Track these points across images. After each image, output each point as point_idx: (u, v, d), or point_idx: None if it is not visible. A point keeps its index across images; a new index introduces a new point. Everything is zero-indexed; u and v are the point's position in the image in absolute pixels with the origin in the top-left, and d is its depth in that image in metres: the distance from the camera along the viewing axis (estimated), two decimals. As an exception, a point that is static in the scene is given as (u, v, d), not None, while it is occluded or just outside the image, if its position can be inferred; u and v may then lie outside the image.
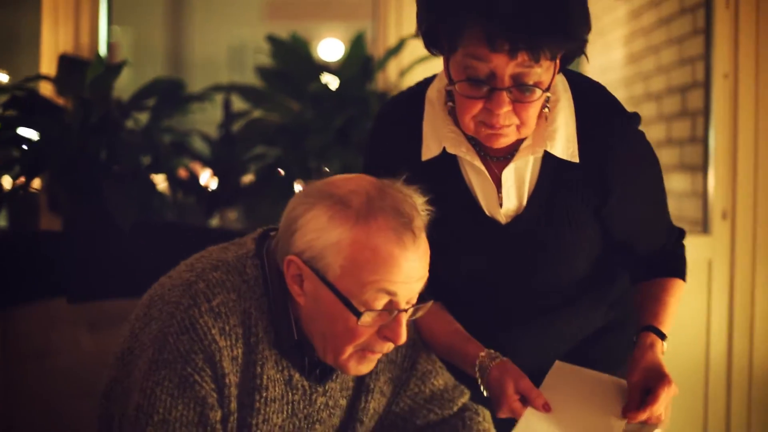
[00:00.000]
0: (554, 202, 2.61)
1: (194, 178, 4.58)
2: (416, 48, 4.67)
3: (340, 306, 2.20)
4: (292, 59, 4.53)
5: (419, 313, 2.31)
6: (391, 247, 2.18)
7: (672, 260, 2.74)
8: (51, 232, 3.99)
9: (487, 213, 2.64)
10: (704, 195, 5.03)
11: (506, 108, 2.39)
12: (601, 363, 2.65)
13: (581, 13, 2.39)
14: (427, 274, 2.27)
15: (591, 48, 2.50)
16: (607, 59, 7.04)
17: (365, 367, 2.31)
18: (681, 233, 2.78)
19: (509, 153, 2.59)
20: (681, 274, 2.74)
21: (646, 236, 2.71)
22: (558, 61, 2.43)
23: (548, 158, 2.59)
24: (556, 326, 2.79)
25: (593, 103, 2.62)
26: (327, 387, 2.41)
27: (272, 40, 4.57)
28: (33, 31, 4.85)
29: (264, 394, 2.29)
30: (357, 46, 4.59)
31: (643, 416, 2.42)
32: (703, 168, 5.06)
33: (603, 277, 2.78)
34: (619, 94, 6.48)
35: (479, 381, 2.56)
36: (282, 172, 4.41)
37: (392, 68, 4.84)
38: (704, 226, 4.98)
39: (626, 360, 2.65)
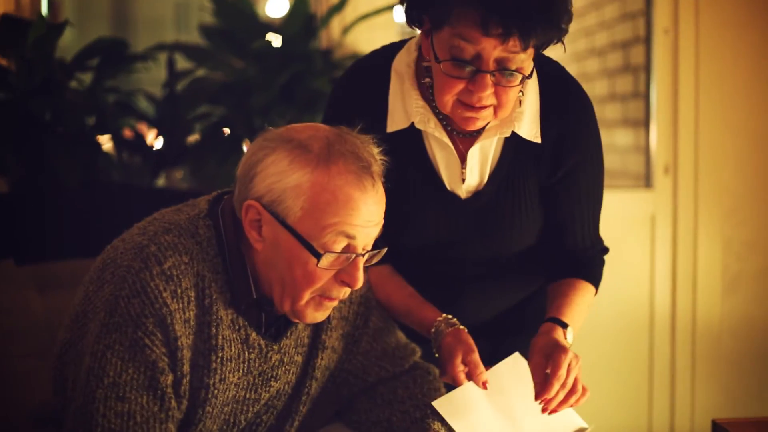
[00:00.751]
0: (513, 179, 2.66)
1: (140, 138, 4.56)
2: (359, 5, 4.69)
3: (299, 249, 2.22)
4: (235, 17, 4.50)
5: (375, 259, 2.33)
6: (351, 190, 2.20)
7: (589, 266, 2.79)
8: (-3, 193, 3.96)
9: (448, 188, 2.67)
10: (647, 150, 5.07)
11: (488, 91, 2.42)
12: (534, 321, 2.69)
13: (567, 2, 2.44)
14: (382, 220, 2.29)
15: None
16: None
17: (321, 315, 2.33)
18: (604, 249, 2.85)
19: (475, 130, 2.62)
20: (594, 281, 2.78)
21: (576, 227, 2.75)
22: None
23: (511, 137, 2.63)
24: (499, 288, 2.86)
25: (555, 86, 2.67)
26: (282, 344, 2.41)
27: (215, -1, 4.56)
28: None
29: (220, 354, 2.30)
30: (300, 3, 4.57)
31: (551, 390, 2.43)
32: (646, 123, 5.10)
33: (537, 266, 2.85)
34: (563, 50, 6.51)
35: (433, 344, 2.60)
36: (227, 131, 4.41)
37: (335, 25, 4.84)
38: (647, 181, 5.03)
39: None
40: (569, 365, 2.44)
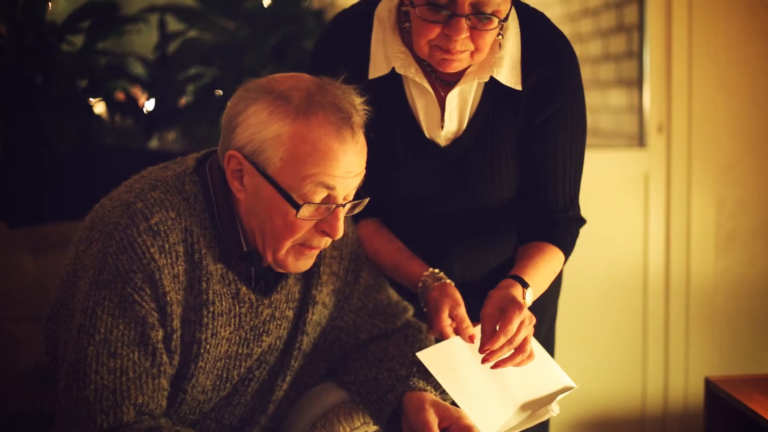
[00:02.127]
0: (491, 126, 2.66)
1: (132, 100, 4.55)
2: (351, -35, 4.67)
3: (279, 199, 2.24)
4: (227, -22, 4.50)
5: (357, 210, 2.36)
6: (331, 141, 2.22)
7: (561, 231, 2.77)
8: (-11, 156, 3.96)
9: (427, 135, 2.67)
10: (640, 109, 5.06)
11: (464, 35, 2.43)
12: None
13: None
14: (364, 171, 2.31)
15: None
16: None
17: (303, 264, 2.36)
18: (580, 218, 2.83)
19: (455, 76, 2.63)
20: (564, 248, 2.77)
21: (550, 183, 2.74)
22: None
23: (491, 84, 2.64)
24: (485, 247, 2.86)
25: (538, 33, 2.67)
26: (272, 298, 2.44)
27: (208, -42, 4.54)
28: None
29: (211, 309, 2.33)
30: (292, -36, 4.56)
31: (496, 342, 2.42)
32: (639, 83, 5.09)
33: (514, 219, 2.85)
34: (557, 10, 6.50)
35: (420, 298, 2.61)
36: (219, 92, 4.40)
37: (327, -15, 4.84)
38: (641, 140, 5.02)
39: None
40: (521, 323, 2.43)
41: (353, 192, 2.32)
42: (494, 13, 2.43)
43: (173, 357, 2.32)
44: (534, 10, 2.73)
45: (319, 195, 2.25)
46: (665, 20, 4.92)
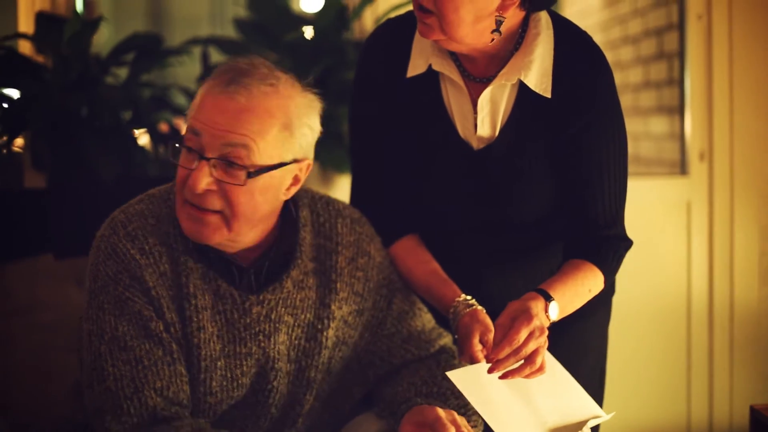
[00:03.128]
0: (523, 133, 2.67)
1: (175, 132, 4.58)
2: (391, -5, 4.69)
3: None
4: (269, 10, 4.52)
5: (228, 177, 2.35)
6: (207, 91, 2.36)
7: (602, 250, 2.74)
8: (35, 189, 4.00)
9: (462, 136, 2.69)
10: (682, 137, 5.05)
11: None
12: None
13: None
14: (239, 135, 2.33)
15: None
16: (584, 4, 7.05)
17: (197, 230, 2.39)
18: (625, 238, 2.78)
19: (488, 78, 2.66)
20: (604, 267, 2.73)
21: (588, 198, 2.72)
22: None
23: (524, 91, 2.65)
24: (521, 266, 2.85)
25: (573, 45, 2.68)
26: (262, 297, 2.49)
27: (248, -8, 4.58)
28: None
29: (193, 302, 2.41)
30: (333, -4, 4.59)
31: (500, 352, 2.42)
32: (680, 110, 5.08)
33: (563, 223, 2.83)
34: (597, 38, 6.48)
35: (451, 324, 2.62)
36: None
37: (368, 16, 4.84)
38: (682, 168, 5.01)
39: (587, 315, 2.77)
40: (530, 334, 2.43)
41: (224, 153, 2.33)
42: None
43: (181, 347, 2.42)
44: (575, 26, 2.75)
45: (191, 142, 2.35)
46: (706, 47, 4.91)
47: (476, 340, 2.51)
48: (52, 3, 4.74)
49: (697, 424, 4.98)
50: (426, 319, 2.74)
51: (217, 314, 2.44)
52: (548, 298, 2.55)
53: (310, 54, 4.37)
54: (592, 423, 2.53)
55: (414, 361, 2.69)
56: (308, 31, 4.48)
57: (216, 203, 2.35)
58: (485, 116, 2.68)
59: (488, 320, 2.55)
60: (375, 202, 2.82)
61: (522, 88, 2.66)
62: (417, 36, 2.71)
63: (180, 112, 4.54)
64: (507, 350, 2.42)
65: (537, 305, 2.50)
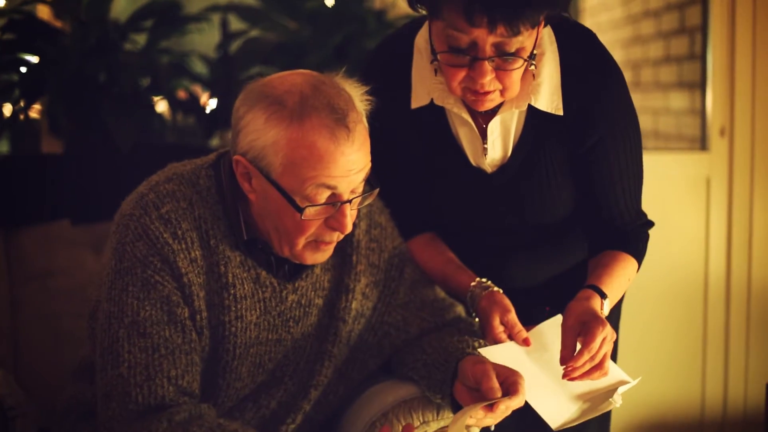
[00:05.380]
0: (537, 152, 2.66)
1: (194, 99, 4.57)
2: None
3: (285, 202, 2.30)
4: (290, -22, 4.51)
5: (367, 201, 2.43)
6: (326, 144, 2.27)
7: (632, 240, 2.75)
8: (53, 155, 3.99)
9: (473, 163, 2.67)
10: (702, 112, 5.02)
11: (489, 76, 2.43)
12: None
13: None
14: (368, 164, 2.35)
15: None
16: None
17: (321, 256, 2.43)
18: (647, 223, 2.81)
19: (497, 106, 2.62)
20: (637, 255, 2.74)
21: (611, 203, 2.72)
22: (542, 23, 2.45)
23: (533, 110, 2.63)
24: (543, 256, 2.85)
25: (578, 57, 2.64)
26: (297, 285, 2.52)
27: (270, -41, 4.55)
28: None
29: (232, 291, 2.42)
30: (354, -37, 4.56)
31: (580, 359, 2.41)
32: (701, 85, 5.05)
33: (579, 242, 2.85)
34: (617, 12, 6.46)
35: (470, 309, 2.63)
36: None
37: (389, -15, 4.84)
38: (702, 143, 4.98)
39: None
40: (603, 339, 2.42)
41: (360, 185, 2.37)
42: (518, 52, 2.41)
43: (201, 337, 2.41)
44: (578, 27, 2.71)
45: (322, 195, 2.31)
46: (729, 22, 4.87)
47: (497, 322, 2.53)
48: (71, -33, 4.72)
49: (712, 401, 4.97)
50: (438, 290, 2.77)
51: (257, 302, 2.46)
52: (603, 296, 2.56)
53: (331, 22, 4.36)
54: (621, 390, 2.51)
55: (432, 330, 2.70)
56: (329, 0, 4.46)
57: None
58: (495, 139, 2.66)
59: (506, 300, 2.56)
60: (394, 202, 2.82)
61: (532, 108, 2.63)
62: (416, 65, 2.69)
63: (198, 79, 4.54)
64: (586, 356, 2.41)
65: (598, 305, 2.53)
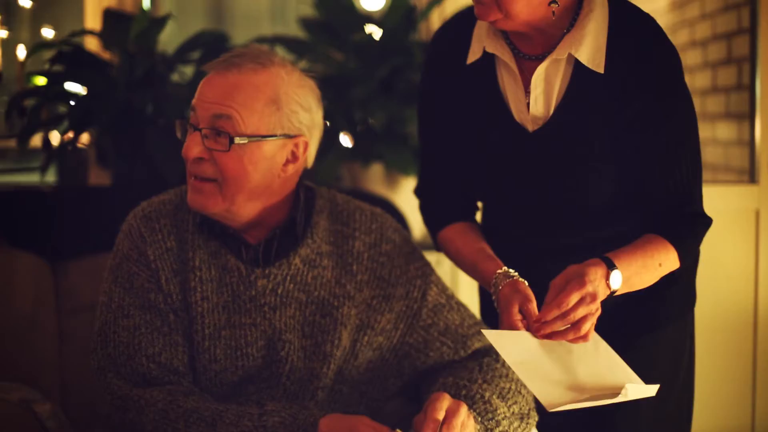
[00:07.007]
0: (580, 112, 2.64)
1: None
2: (459, -3, 4.66)
3: None
4: (335, 9, 4.52)
5: (218, 144, 2.54)
6: (208, 70, 2.58)
7: (675, 225, 2.67)
8: (100, 187, 4.02)
9: (516, 119, 2.68)
10: (751, 143, 4.98)
11: None
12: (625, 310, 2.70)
13: None
14: (225, 106, 2.52)
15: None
16: (651, 6, 6.98)
17: (193, 196, 2.59)
18: (702, 215, 2.73)
19: (542, 56, 2.66)
20: (676, 239, 2.64)
21: (662, 176, 2.65)
22: None
23: (579, 69, 2.64)
24: (579, 254, 2.78)
25: (630, 22, 2.65)
26: (267, 271, 2.65)
27: (315, -9, 4.57)
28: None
29: (198, 274, 2.61)
30: (399, -4, 4.57)
31: (547, 313, 2.39)
32: (750, 116, 5.01)
33: (628, 217, 2.76)
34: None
35: (493, 297, 2.60)
36: (327, 123, 4.42)
37: (435, 17, 4.83)
38: (751, 176, 4.94)
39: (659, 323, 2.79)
40: (581, 299, 2.39)
41: (212, 124, 2.54)
42: None
43: (179, 319, 2.61)
44: (636, 7, 2.72)
45: (191, 118, 2.57)
46: (778, 52, 4.84)
47: (515, 309, 2.49)
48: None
49: (762, 436, 4.92)
50: (464, 315, 2.79)
51: (224, 286, 2.62)
52: (611, 266, 2.49)
53: (377, 54, 4.36)
54: (633, 393, 2.43)
55: (453, 362, 2.74)
56: (376, 32, 4.47)
57: (208, 170, 2.55)
58: (539, 95, 2.67)
59: (528, 291, 2.52)
60: (435, 188, 2.91)
61: (577, 66, 2.64)
62: (477, 24, 2.74)
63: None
64: (555, 312, 2.39)
65: (596, 272, 2.46)
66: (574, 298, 2.38)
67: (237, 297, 2.62)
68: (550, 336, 2.42)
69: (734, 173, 5.25)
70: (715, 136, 5.56)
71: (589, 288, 2.40)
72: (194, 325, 2.60)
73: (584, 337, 2.43)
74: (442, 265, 4.00)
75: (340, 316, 2.67)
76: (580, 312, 2.39)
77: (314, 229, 2.70)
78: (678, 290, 2.86)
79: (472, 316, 2.81)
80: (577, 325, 2.41)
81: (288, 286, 2.65)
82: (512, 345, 2.44)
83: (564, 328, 2.42)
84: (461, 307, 2.81)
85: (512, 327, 2.48)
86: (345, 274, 2.70)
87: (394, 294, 2.73)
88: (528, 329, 2.47)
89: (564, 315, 2.39)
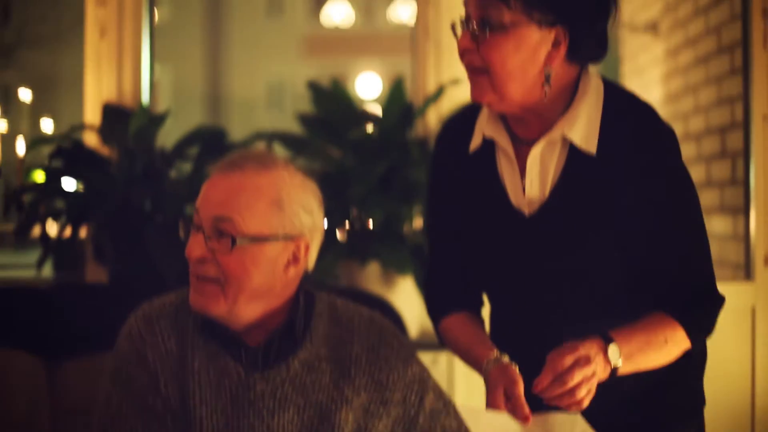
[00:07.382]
0: (575, 195, 2.62)
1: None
2: (454, 95, 4.70)
3: None
4: (333, 106, 4.55)
5: (221, 246, 2.49)
6: (212, 172, 2.50)
7: (685, 305, 2.59)
8: (96, 284, 4.02)
9: (513, 204, 2.68)
10: (746, 238, 4.98)
11: (468, 45, 2.53)
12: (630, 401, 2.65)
13: None
14: (231, 214, 2.47)
15: (628, 86, 2.53)
16: (644, 98, 7.03)
17: (194, 296, 2.52)
18: (715, 294, 2.65)
19: (537, 140, 2.65)
20: (683, 317, 2.58)
21: (668, 259, 2.60)
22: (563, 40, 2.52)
23: (574, 152, 2.61)
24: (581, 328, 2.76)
25: (624, 105, 2.64)
26: (266, 374, 2.58)
27: (313, 87, 4.60)
28: (75, 74, 4.90)
29: (196, 378, 2.54)
30: (396, 93, 4.59)
31: (544, 378, 2.38)
32: (745, 210, 5.02)
33: (638, 304, 2.67)
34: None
35: (484, 381, 2.61)
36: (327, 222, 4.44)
37: (431, 115, 4.86)
38: (747, 271, 4.94)
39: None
40: (575, 364, 2.37)
41: (215, 226, 2.49)
42: (501, 28, 2.49)
43: (177, 422, 2.54)
44: (633, 95, 2.70)
45: (195, 219, 2.50)
46: (772, 148, 4.87)
47: (500, 390, 2.50)
48: (118, 92, 4.79)
49: None
50: (462, 420, 2.74)
51: (222, 390, 2.56)
52: (607, 340, 2.46)
53: (375, 151, 4.39)
54: None
55: None
56: (373, 129, 4.50)
57: (211, 270, 2.49)
58: (534, 177, 2.66)
59: (516, 374, 2.51)
60: (437, 278, 2.91)
61: (572, 149, 2.62)
62: (481, 112, 2.74)
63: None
64: (549, 377, 2.38)
65: (591, 344, 2.44)
66: (567, 361, 2.38)
67: (235, 400, 2.59)
68: (547, 398, 2.40)
69: (729, 268, 5.25)
70: (709, 230, 5.53)
71: (582, 351, 2.39)
72: (192, 429, 2.57)
73: (579, 404, 2.41)
74: (438, 364, 3.99)
75: (338, 420, 2.64)
76: (576, 377, 2.38)
77: (313, 332, 2.67)
78: (680, 391, 2.85)
79: (465, 422, 2.81)
80: (573, 391, 2.39)
81: (287, 389, 2.62)
82: (488, 424, 2.46)
83: (561, 391, 2.39)
84: (456, 411, 2.79)
85: (495, 406, 2.49)
86: (343, 378, 2.66)
87: (392, 399, 2.70)
88: (511, 412, 2.47)
89: (560, 377, 2.38)
